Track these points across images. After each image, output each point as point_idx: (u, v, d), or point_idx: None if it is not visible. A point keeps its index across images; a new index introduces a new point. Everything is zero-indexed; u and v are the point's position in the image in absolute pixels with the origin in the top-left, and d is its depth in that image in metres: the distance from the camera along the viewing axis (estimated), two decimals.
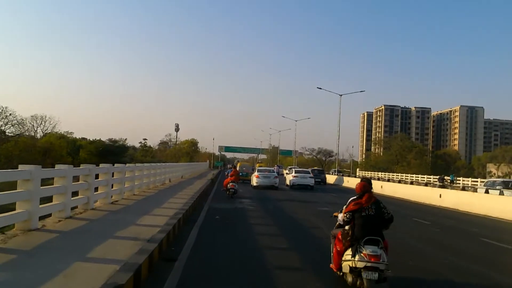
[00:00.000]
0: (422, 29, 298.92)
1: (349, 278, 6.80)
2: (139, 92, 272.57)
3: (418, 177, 68.95)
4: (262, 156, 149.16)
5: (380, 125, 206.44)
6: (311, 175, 40.15)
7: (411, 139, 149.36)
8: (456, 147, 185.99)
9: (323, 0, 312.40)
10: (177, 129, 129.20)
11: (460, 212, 24.12)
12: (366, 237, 6.62)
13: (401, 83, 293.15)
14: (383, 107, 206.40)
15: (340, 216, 7.36)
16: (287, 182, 40.12)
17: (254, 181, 35.70)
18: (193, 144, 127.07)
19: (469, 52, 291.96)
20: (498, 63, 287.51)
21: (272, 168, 44.00)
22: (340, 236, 7.17)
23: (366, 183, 7.20)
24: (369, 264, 6.38)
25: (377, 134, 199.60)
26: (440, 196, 28.68)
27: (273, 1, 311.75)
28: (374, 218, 6.84)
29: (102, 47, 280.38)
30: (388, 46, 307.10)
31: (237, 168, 31.74)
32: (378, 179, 61.40)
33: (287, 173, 47.95)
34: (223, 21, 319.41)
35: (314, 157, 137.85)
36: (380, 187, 38.43)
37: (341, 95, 57.95)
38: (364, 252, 6.49)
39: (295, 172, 40.11)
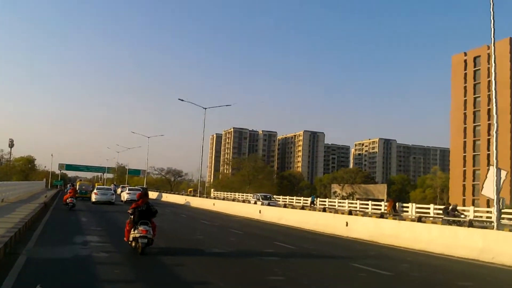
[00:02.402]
0: (270, 58, 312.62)
1: (133, 244, 12.19)
2: None
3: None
4: (108, 175, 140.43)
5: (229, 146, 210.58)
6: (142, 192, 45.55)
7: (262, 161, 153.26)
8: (299, 169, 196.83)
9: (174, 21, 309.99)
10: (11, 145, 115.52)
11: (277, 225, 27.53)
12: (140, 221, 12.16)
13: (250, 108, 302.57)
14: (232, 130, 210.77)
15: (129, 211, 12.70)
16: (122, 198, 47.71)
17: (93, 197, 40.90)
18: (29, 161, 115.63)
19: (310, 84, 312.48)
20: (335, 95, 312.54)
21: (110, 187, 53.35)
22: (128, 222, 12.68)
23: (143, 193, 13.18)
24: (142, 234, 11.81)
25: (226, 155, 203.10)
26: (260, 212, 32.97)
27: (114, 16, 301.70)
28: (145, 211, 12.40)
29: None
30: (241, 70, 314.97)
31: (77, 187, 41.07)
32: (223, 199, 60.99)
33: (121, 191, 56.80)
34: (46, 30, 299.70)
35: (163, 177, 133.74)
36: (213, 205, 45.07)
37: (205, 108, 55.38)
38: (139, 228, 11.94)
39: (128, 190, 49.57)
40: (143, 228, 11.76)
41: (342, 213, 27.73)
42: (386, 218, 23.13)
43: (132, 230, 12.05)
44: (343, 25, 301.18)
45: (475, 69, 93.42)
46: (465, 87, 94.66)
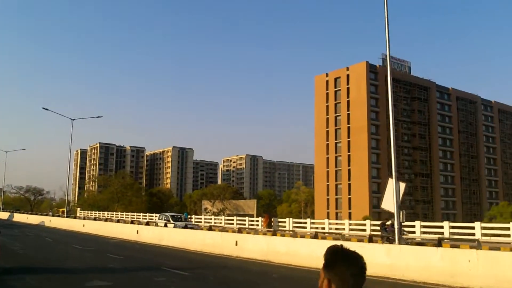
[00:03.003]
0: (138, 72, 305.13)
1: None
2: None
3: (140, 215, 64.70)
4: None
5: (95, 162, 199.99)
6: None
7: (131, 177, 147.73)
8: (168, 185, 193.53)
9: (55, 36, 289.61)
10: None
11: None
12: None
13: (117, 123, 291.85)
14: (98, 145, 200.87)
15: None
16: None
17: None
18: None
19: (179, 99, 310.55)
20: (203, 111, 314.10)
21: None
22: None
23: None
24: None
25: (92, 172, 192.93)
26: (137, 232, 31.37)
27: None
28: None
29: None
30: (107, 83, 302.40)
31: None
32: (95, 219, 56.21)
33: None
34: None
35: (22, 196, 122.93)
36: (82, 226, 42.34)
37: (73, 120, 51.18)
38: None
39: None
40: None
41: (223, 231, 26.96)
42: (267, 234, 22.84)
43: None
44: (211, 38, 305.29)
45: (336, 89, 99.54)
46: (327, 106, 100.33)
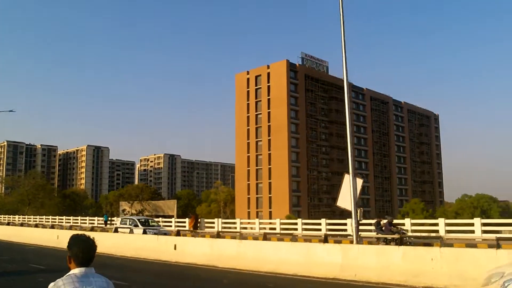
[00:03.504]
0: (52, 67, 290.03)
1: None
2: None
3: (63, 219, 60.28)
4: None
5: (2, 162, 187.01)
6: None
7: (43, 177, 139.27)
8: (83, 186, 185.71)
9: None
10: None
11: None
12: None
13: (27, 120, 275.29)
14: (5, 143, 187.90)
15: None
16: None
17: None
18: None
19: (94, 96, 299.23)
20: (120, 108, 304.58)
21: None
22: None
23: None
24: None
25: None
26: (58, 237, 28.16)
27: None
28: None
29: None
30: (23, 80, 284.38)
31: None
32: (8, 224, 51.88)
33: None
34: None
35: None
36: None
37: None
38: None
39: None
40: None
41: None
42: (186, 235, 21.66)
43: None
44: (130, 36, 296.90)
45: (256, 87, 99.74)
46: (248, 104, 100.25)
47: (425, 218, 67.51)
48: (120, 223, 34.00)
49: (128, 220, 34.15)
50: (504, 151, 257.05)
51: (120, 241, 24.09)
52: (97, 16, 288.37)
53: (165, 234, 27.85)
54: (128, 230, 30.08)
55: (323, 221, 28.53)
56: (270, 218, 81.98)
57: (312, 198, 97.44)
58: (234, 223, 36.52)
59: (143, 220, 33.72)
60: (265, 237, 17.55)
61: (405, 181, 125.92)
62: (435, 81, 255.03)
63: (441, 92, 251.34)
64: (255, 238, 23.20)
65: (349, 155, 15.24)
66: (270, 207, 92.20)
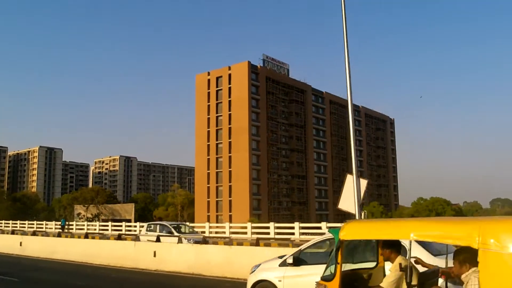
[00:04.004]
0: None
1: None
2: None
3: (25, 223, 56.49)
4: None
5: None
6: None
7: None
8: (34, 189, 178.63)
9: None
10: None
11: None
12: None
13: None
14: None
15: None
16: None
17: None
18: None
19: (48, 97, 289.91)
20: (72, 109, 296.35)
21: None
22: None
23: None
24: None
25: None
26: (21, 244, 25.94)
27: None
28: None
29: None
30: None
31: None
32: None
33: None
34: None
35: None
36: None
37: None
38: None
39: None
40: None
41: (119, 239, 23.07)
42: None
43: None
44: (89, 36, 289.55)
45: (217, 88, 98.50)
46: (208, 106, 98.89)
47: None
48: (146, 230, 27.50)
49: (159, 226, 27.45)
50: (455, 156, 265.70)
51: (90, 248, 22.05)
52: (40, 14, 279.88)
53: (199, 242, 20.61)
54: (154, 237, 22.05)
55: (296, 224, 27.80)
56: (231, 221, 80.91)
57: (272, 202, 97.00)
58: (204, 227, 35.18)
59: (175, 225, 27.65)
60: (257, 243, 16.36)
61: None
62: (390, 85, 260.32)
63: (396, 97, 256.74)
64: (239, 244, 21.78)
65: (353, 155, 14.19)
66: (230, 211, 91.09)
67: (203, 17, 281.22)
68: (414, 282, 4.92)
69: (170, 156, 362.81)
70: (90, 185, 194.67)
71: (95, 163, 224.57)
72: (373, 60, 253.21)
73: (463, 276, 4.20)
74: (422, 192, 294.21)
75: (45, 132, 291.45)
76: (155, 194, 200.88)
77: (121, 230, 38.49)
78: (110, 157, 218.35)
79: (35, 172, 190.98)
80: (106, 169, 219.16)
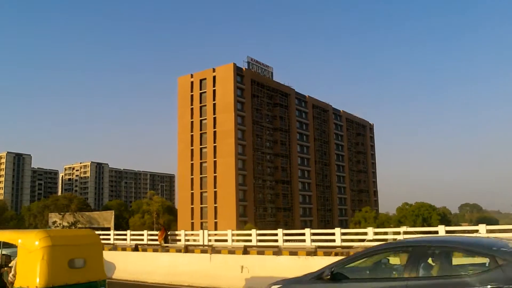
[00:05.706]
0: None
1: None
2: None
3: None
4: None
5: None
6: None
7: None
8: (1, 197, 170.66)
9: None
10: None
11: None
12: None
13: None
14: None
15: None
16: None
17: None
18: None
19: (15, 101, 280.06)
20: (43, 116, 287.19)
21: None
22: None
23: None
24: None
25: None
26: None
27: None
28: None
29: None
30: None
31: None
32: None
33: None
34: None
35: None
36: None
37: None
38: None
39: None
40: None
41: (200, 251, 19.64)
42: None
43: None
44: (64, 35, 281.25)
45: (201, 91, 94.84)
46: (192, 109, 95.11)
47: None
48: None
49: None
50: (434, 161, 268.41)
51: (144, 261, 17.56)
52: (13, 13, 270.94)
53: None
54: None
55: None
56: (216, 229, 77.47)
57: (258, 208, 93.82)
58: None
59: None
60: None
61: (344, 190, 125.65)
62: (370, 90, 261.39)
63: (376, 102, 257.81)
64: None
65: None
66: (215, 218, 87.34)
67: (184, 18, 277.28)
68: None
69: (142, 163, 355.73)
70: (60, 192, 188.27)
71: (65, 169, 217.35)
72: (359, 66, 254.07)
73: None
74: (402, 198, 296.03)
75: (13, 137, 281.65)
76: (127, 201, 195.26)
77: (142, 240, 31.90)
78: (80, 163, 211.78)
79: (2, 179, 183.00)
80: (77, 175, 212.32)
